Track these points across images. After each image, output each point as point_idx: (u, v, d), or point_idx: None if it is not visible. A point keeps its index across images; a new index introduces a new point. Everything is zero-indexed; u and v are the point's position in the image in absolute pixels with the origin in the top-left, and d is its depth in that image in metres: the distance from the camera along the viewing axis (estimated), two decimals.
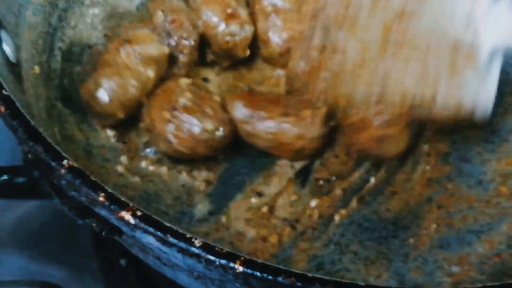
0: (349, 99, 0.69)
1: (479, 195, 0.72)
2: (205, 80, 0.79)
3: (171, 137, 0.69)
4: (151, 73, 0.71)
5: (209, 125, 0.69)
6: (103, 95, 0.69)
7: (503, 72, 0.79)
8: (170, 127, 0.69)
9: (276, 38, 0.76)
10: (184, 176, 0.72)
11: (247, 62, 0.79)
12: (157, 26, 0.74)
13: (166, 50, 0.72)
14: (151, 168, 0.72)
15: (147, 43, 0.71)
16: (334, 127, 0.72)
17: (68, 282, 0.77)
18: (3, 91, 0.57)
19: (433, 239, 0.69)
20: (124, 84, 0.70)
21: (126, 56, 0.70)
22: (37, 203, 0.80)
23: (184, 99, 0.70)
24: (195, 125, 0.69)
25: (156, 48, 0.71)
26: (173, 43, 0.74)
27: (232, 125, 0.71)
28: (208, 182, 0.72)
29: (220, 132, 0.70)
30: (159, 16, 0.74)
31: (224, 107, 0.72)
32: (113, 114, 0.70)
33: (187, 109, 0.69)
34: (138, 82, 0.70)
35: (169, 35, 0.74)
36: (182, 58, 0.74)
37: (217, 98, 0.72)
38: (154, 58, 0.71)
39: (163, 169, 0.72)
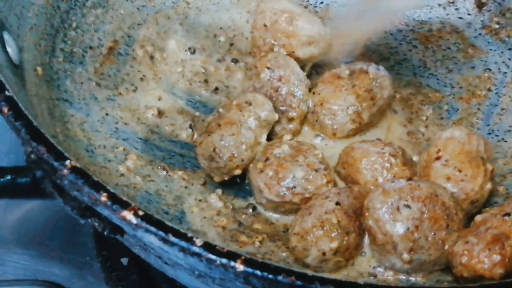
0: None
1: None
2: None
3: (262, 187, 0.69)
4: (264, 138, 0.72)
5: (299, 173, 0.68)
6: (228, 152, 0.70)
7: (501, 73, 0.80)
8: (262, 177, 0.69)
9: None
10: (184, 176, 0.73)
11: None
12: (263, 83, 0.75)
13: (276, 116, 0.73)
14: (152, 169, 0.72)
15: (265, 108, 0.72)
16: None
17: (70, 281, 0.77)
18: (6, 92, 0.57)
19: None
20: (244, 143, 0.70)
21: (248, 117, 0.71)
22: (40, 203, 0.80)
23: (279, 151, 0.70)
24: (284, 173, 0.68)
25: (270, 114, 0.72)
26: (281, 98, 0.74)
27: (330, 176, 0.69)
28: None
29: (313, 181, 0.68)
30: (265, 74, 0.75)
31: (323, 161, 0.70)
32: (231, 170, 0.71)
33: (280, 159, 0.69)
34: (256, 144, 0.71)
35: (276, 91, 0.74)
36: (292, 113, 0.75)
37: (318, 152, 0.71)
38: (268, 122, 0.72)
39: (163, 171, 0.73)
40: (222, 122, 0.71)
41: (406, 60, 0.83)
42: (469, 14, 0.83)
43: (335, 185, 0.70)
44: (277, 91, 0.74)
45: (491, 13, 0.83)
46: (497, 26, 0.82)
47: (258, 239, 0.68)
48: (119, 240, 0.59)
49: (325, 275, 0.63)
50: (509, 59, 0.80)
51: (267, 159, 0.69)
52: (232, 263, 0.50)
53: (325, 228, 0.64)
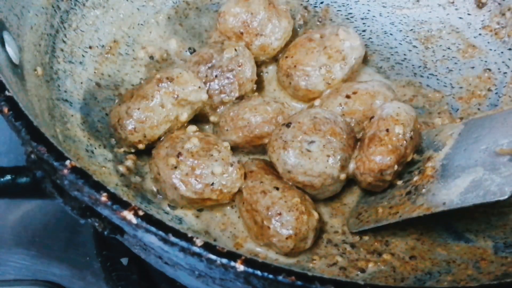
0: None
1: None
2: None
3: (177, 183, 0.67)
4: (183, 116, 0.71)
5: (217, 169, 0.67)
6: (130, 125, 0.70)
7: (501, 73, 0.80)
8: (176, 173, 0.67)
9: None
10: None
11: None
12: (221, 57, 0.75)
13: (204, 97, 0.72)
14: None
15: (188, 86, 0.71)
16: None
17: (70, 281, 0.78)
18: (6, 92, 0.57)
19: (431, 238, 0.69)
20: (154, 120, 0.70)
21: (164, 93, 0.70)
22: (40, 203, 0.81)
23: (190, 145, 0.68)
24: (201, 169, 0.67)
25: (195, 94, 0.71)
26: (227, 81, 0.75)
27: (242, 169, 0.69)
28: None
29: (229, 176, 0.68)
30: (231, 53, 0.75)
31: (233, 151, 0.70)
32: (134, 145, 0.71)
33: (193, 154, 0.68)
34: (167, 122, 0.70)
35: (229, 71, 0.75)
36: (226, 98, 0.75)
37: (226, 143, 0.70)
38: (189, 102, 0.71)
39: None
40: (136, 94, 0.71)
41: (406, 60, 0.83)
42: (469, 14, 0.84)
43: (245, 177, 0.69)
44: (230, 71, 0.75)
45: (491, 13, 0.83)
46: (497, 26, 0.82)
47: None
48: (119, 240, 0.59)
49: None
50: (509, 59, 0.81)
51: (179, 154, 0.68)
52: (232, 263, 0.50)
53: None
